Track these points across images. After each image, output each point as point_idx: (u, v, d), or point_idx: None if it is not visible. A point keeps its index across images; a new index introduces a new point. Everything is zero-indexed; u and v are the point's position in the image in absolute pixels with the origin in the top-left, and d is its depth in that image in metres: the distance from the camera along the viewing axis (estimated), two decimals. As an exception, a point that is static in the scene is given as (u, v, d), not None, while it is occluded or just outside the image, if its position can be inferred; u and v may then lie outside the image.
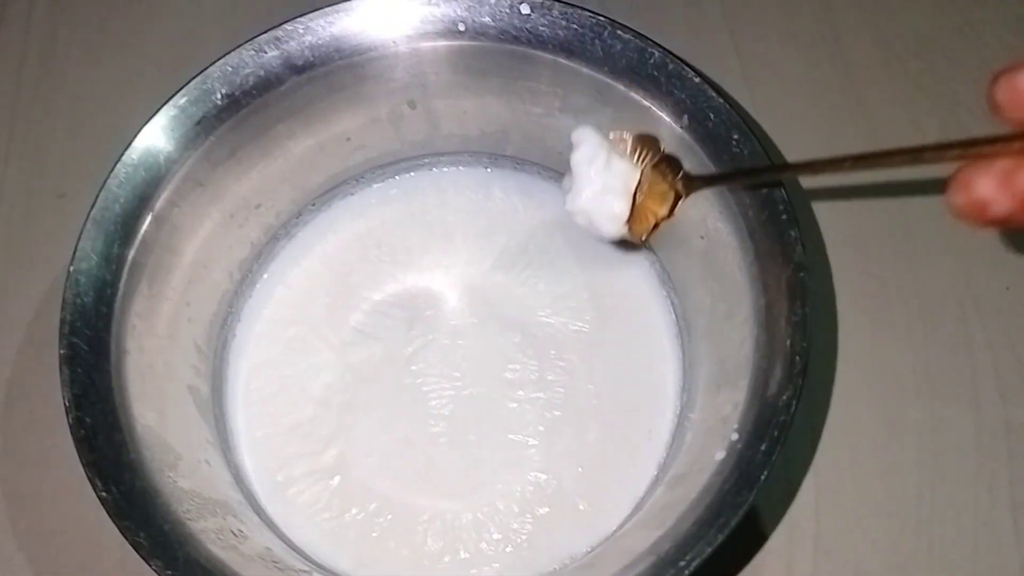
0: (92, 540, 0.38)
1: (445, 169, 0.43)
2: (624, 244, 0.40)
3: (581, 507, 0.36)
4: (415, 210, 0.42)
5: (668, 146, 0.35)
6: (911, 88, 0.46)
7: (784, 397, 0.29)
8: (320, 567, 0.34)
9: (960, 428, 0.40)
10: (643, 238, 0.33)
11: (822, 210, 0.43)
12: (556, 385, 0.38)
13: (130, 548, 0.36)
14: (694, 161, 0.34)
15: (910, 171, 0.43)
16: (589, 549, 0.34)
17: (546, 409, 0.38)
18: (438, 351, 0.39)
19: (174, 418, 0.34)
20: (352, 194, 0.42)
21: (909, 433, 0.39)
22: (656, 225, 0.33)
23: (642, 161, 0.34)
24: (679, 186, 0.33)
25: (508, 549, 0.36)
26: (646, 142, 0.34)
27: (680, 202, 0.33)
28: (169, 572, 0.28)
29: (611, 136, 0.34)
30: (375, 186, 0.42)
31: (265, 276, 0.41)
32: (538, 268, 0.41)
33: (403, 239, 0.41)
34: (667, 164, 0.33)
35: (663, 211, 0.33)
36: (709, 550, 0.27)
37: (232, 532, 0.31)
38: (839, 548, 0.38)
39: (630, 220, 0.34)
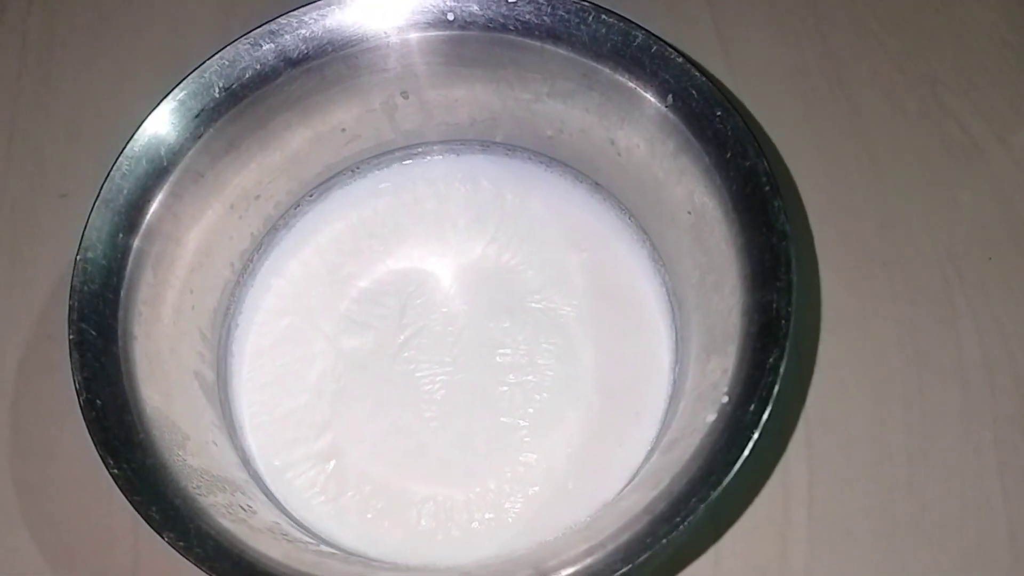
0: (104, 528, 0.39)
1: (438, 158, 0.44)
2: (615, 225, 0.42)
3: (570, 486, 0.37)
4: (407, 200, 0.43)
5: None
6: (889, 66, 0.48)
7: (771, 360, 0.30)
8: (325, 541, 0.35)
9: (945, 394, 0.41)
10: None
11: (805, 184, 0.44)
12: (546, 369, 0.39)
13: (142, 535, 0.38)
14: (679, 139, 0.35)
15: (892, 141, 0.45)
16: (582, 522, 0.35)
17: (536, 392, 0.39)
18: (429, 338, 0.40)
19: (181, 401, 0.35)
20: (348, 184, 0.43)
21: (896, 400, 0.40)
22: None
23: None
24: None
25: (500, 527, 0.36)
26: None
27: None
28: (181, 543, 0.29)
29: None
30: (371, 176, 0.43)
31: (265, 266, 0.42)
32: (528, 254, 0.42)
33: (395, 229, 0.42)
34: None
35: None
36: (702, 506, 0.28)
37: (241, 507, 0.32)
38: (831, 513, 0.39)
39: None
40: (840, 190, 0.45)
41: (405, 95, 0.40)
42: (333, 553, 0.34)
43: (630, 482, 0.36)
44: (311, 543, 0.33)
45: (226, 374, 0.39)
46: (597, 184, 0.42)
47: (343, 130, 0.40)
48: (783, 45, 0.48)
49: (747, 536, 0.39)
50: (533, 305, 0.41)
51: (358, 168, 0.43)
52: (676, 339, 0.39)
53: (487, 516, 0.37)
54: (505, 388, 0.39)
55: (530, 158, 0.43)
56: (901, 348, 0.41)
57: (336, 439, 0.39)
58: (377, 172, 0.43)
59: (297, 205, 0.42)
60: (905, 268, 0.43)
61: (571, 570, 0.29)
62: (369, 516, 0.37)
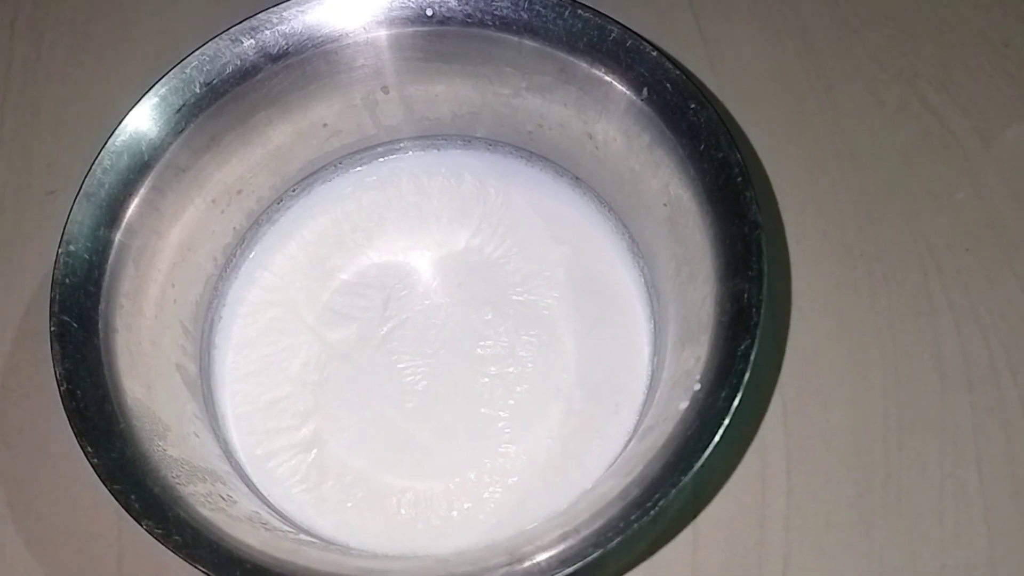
0: (89, 521, 0.39)
1: (420, 152, 0.44)
2: (595, 218, 0.42)
3: (549, 476, 0.37)
4: (391, 194, 0.43)
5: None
6: (869, 61, 0.48)
7: (742, 348, 0.30)
8: (305, 531, 0.36)
9: (924, 385, 0.41)
10: None
11: (784, 177, 0.45)
12: (527, 360, 0.40)
13: (126, 527, 0.38)
14: (655, 131, 0.36)
15: (871, 135, 0.45)
16: (560, 511, 0.35)
17: (517, 383, 0.39)
18: (412, 330, 0.40)
19: (163, 393, 0.35)
20: (331, 180, 0.44)
21: (874, 389, 0.41)
22: None
23: None
24: None
25: (479, 517, 0.37)
26: None
27: None
28: (160, 531, 0.29)
29: None
30: (353, 171, 0.44)
31: (248, 260, 0.42)
32: (510, 247, 0.42)
33: (379, 222, 0.43)
34: None
35: None
36: (673, 492, 0.29)
37: (221, 497, 0.33)
38: (810, 502, 0.39)
39: None
40: (820, 183, 0.45)
41: (386, 90, 0.40)
42: (312, 542, 0.34)
43: (608, 470, 0.36)
44: (290, 532, 0.34)
45: (209, 366, 0.39)
46: (577, 178, 0.42)
47: (324, 125, 0.41)
48: (764, 40, 0.49)
49: (725, 524, 0.39)
50: (515, 297, 0.41)
51: (340, 163, 0.43)
52: (655, 330, 0.39)
53: (466, 506, 0.37)
54: (486, 379, 0.39)
55: (511, 153, 0.43)
56: (879, 339, 0.42)
57: (318, 429, 0.39)
58: (360, 167, 0.44)
59: (280, 200, 0.42)
60: (883, 260, 0.43)
61: (545, 556, 0.29)
62: (349, 505, 0.37)
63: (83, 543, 0.39)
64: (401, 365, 0.40)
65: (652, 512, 0.28)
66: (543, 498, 0.37)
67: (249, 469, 0.38)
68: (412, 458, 0.38)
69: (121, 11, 0.52)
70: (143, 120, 0.36)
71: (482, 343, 0.40)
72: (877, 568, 0.38)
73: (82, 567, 0.39)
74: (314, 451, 0.38)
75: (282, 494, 0.37)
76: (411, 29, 0.38)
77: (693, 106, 0.35)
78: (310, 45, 0.38)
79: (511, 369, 0.40)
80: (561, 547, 0.29)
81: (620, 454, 0.37)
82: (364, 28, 0.38)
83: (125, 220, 0.35)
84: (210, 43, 0.37)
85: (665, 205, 0.36)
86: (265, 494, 0.37)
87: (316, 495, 0.37)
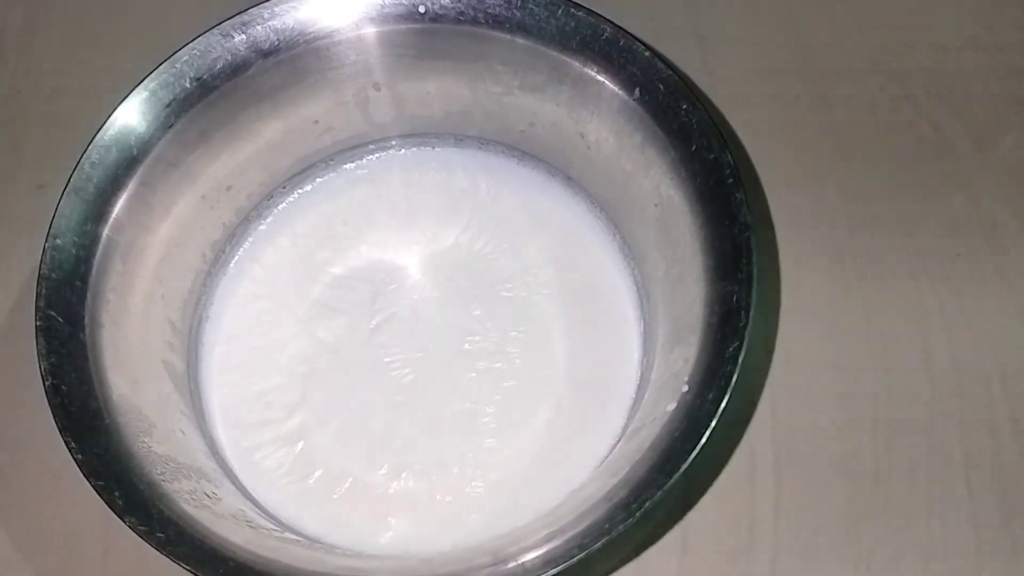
0: (74, 516, 0.39)
1: (412, 150, 0.44)
2: (587, 218, 0.42)
3: (533, 475, 0.37)
4: (381, 190, 0.43)
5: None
6: (865, 66, 0.48)
7: (731, 349, 0.30)
8: (290, 528, 0.35)
9: (912, 389, 0.41)
10: None
11: (776, 179, 0.45)
12: (515, 357, 0.40)
13: (112, 522, 0.38)
14: (647, 132, 0.36)
15: (864, 139, 0.45)
16: (543, 510, 0.35)
17: (504, 379, 0.39)
18: (400, 324, 0.40)
19: (149, 389, 0.35)
20: (321, 176, 0.43)
21: (864, 394, 0.41)
22: None
23: None
24: None
25: (462, 512, 0.37)
26: None
27: None
28: (143, 528, 0.29)
29: None
30: (344, 168, 0.44)
31: (237, 256, 0.42)
32: (500, 243, 0.42)
33: (369, 217, 0.43)
34: None
35: None
36: (659, 493, 0.28)
37: (206, 494, 0.32)
38: (798, 505, 0.39)
39: None
40: (812, 186, 0.45)
41: (377, 87, 0.40)
42: (297, 540, 0.34)
43: (594, 471, 0.36)
44: (275, 530, 0.34)
45: (196, 362, 0.39)
46: (569, 178, 0.42)
47: (316, 122, 0.41)
48: (759, 43, 0.49)
49: (713, 526, 0.39)
50: (504, 294, 0.41)
51: (332, 160, 0.43)
52: (645, 331, 0.39)
53: (448, 499, 0.37)
54: (473, 375, 0.39)
55: (503, 152, 0.43)
56: (869, 342, 0.42)
57: (305, 421, 0.39)
58: (351, 164, 0.44)
59: (270, 196, 0.42)
60: (874, 264, 0.43)
61: (529, 557, 0.29)
62: (334, 497, 0.37)
63: (69, 538, 0.39)
64: (388, 359, 0.40)
65: (637, 514, 0.28)
66: (528, 496, 0.37)
67: (235, 462, 0.37)
68: (397, 451, 0.38)
69: (114, 3, 0.51)
70: (132, 115, 0.36)
71: (470, 338, 0.40)
72: (864, 571, 0.38)
73: (68, 562, 0.39)
74: (300, 443, 0.38)
75: (267, 487, 0.37)
76: (403, 26, 0.38)
77: (685, 107, 0.35)
78: (301, 41, 0.37)
79: (498, 365, 0.39)
80: (546, 548, 0.29)
81: (607, 455, 0.37)
82: (356, 24, 0.38)
83: (113, 215, 0.35)
84: (200, 38, 0.37)
85: (656, 206, 0.36)
86: (250, 488, 0.37)
87: (301, 487, 0.37)
